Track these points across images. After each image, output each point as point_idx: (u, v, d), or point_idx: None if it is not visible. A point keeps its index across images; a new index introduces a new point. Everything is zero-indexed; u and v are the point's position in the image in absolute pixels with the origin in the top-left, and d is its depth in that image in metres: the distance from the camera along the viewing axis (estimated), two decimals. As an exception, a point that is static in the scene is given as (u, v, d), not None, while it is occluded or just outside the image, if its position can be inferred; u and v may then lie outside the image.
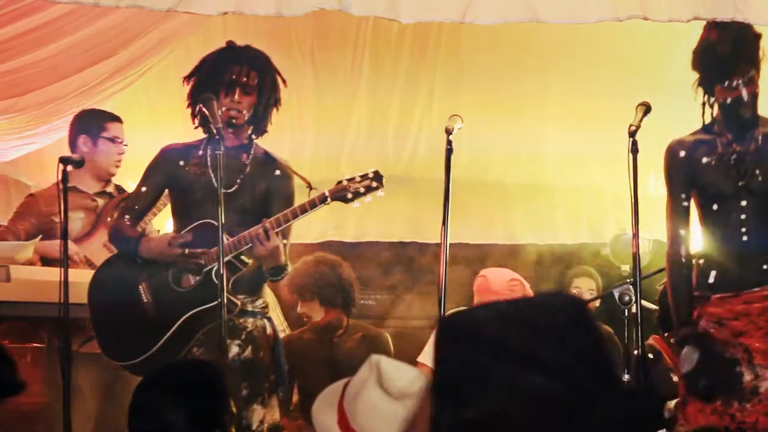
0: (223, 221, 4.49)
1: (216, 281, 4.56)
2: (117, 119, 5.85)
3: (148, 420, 3.16)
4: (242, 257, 4.73)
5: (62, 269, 4.69)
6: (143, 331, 4.83)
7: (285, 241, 4.84)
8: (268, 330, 4.94)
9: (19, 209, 5.90)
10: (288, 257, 4.87)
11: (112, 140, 5.75)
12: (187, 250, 4.78)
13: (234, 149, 4.92)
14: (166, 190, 5.08)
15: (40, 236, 5.45)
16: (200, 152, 4.96)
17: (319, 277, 6.22)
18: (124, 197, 5.82)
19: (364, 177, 4.64)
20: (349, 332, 6.41)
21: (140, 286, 4.90)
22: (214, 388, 3.25)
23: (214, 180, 4.82)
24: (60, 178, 4.94)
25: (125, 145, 5.84)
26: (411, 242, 7.89)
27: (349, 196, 4.63)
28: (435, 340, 1.77)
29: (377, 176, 4.65)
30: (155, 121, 7.84)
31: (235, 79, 4.85)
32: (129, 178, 7.58)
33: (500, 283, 5.90)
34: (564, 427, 1.66)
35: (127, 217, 5.06)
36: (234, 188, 4.87)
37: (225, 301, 4.40)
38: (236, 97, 4.84)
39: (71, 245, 5.28)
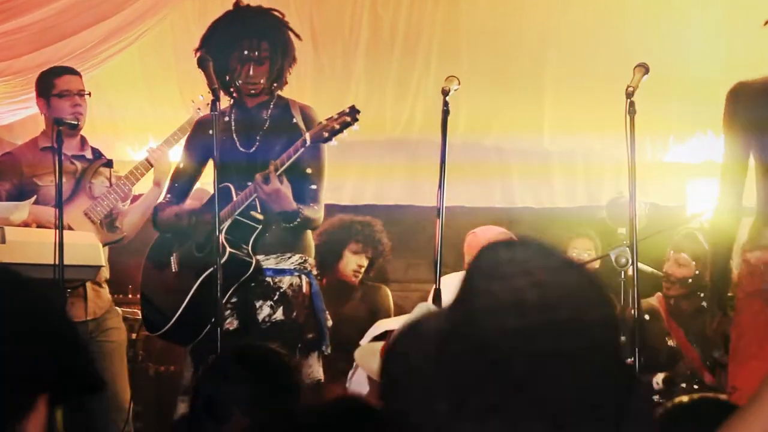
0: (219, 184, 4.52)
1: (224, 241, 4.58)
2: (68, 71, 5.70)
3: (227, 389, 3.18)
4: (252, 213, 4.72)
5: (57, 231, 4.68)
6: (171, 300, 4.88)
7: (314, 186, 4.86)
8: (305, 288, 4.90)
9: None
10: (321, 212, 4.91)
11: (60, 95, 5.61)
12: (194, 219, 4.85)
13: (254, 108, 4.97)
14: (211, 161, 4.96)
15: (35, 197, 5.42)
16: (226, 118, 4.95)
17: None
18: (102, 162, 5.76)
19: (340, 114, 4.61)
20: (352, 293, 6.43)
21: (172, 257, 4.95)
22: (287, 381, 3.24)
23: (237, 143, 4.87)
24: (54, 140, 4.92)
25: (82, 94, 5.67)
26: (408, 205, 7.89)
27: (326, 135, 4.59)
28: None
29: (353, 111, 4.60)
30: (150, 86, 7.82)
31: (247, 54, 4.84)
32: (126, 144, 7.60)
33: (490, 238, 5.87)
34: None
35: (168, 196, 5.14)
36: (254, 147, 4.89)
37: (221, 262, 4.41)
38: (251, 72, 4.86)
39: (49, 212, 5.25)
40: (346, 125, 4.58)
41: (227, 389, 3.14)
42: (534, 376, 1.51)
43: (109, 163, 5.77)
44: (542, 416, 1.52)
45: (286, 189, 4.65)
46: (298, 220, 4.73)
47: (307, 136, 4.62)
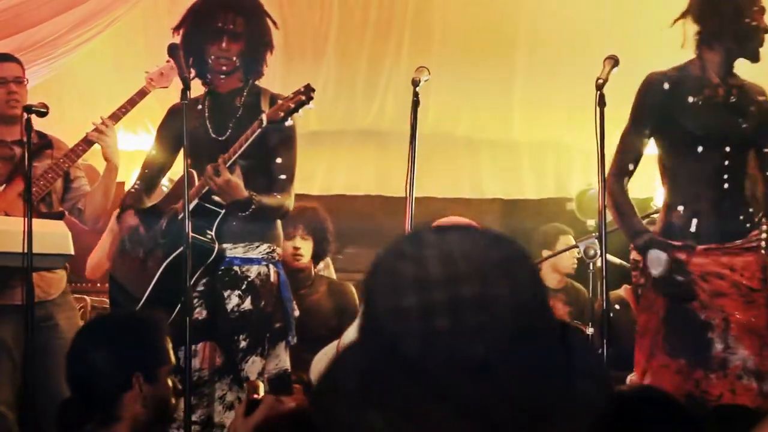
0: (188, 172, 4.51)
1: (183, 228, 4.53)
2: (2, 59, 5.63)
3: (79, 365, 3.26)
4: (216, 199, 4.68)
5: (26, 219, 4.65)
6: (137, 287, 4.84)
7: (283, 176, 4.83)
8: (272, 277, 4.86)
9: None
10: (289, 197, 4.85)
11: None
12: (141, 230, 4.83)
13: (227, 95, 4.91)
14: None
15: (4, 185, 5.38)
16: (199, 106, 4.91)
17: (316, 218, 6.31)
18: (42, 144, 5.67)
19: (296, 93, 4.59)
20: (316, 285, 6.41)
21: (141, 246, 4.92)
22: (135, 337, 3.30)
23: (210, 130, 4.83)
24: (24, 127, 4.88)
25: (19, 81, 5.57)
26: (377, 195, 7.90)
27: (282, 114, 4.56)
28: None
29: (307, 89, 4.57)
30: (120, 74, 7.79)
31: (222, 27, 4.80)
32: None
33: None
34: None
35: (138, 183, 5.05)
36: (227, 134, 4.83)
37: (189, 248, 4.38)
38: (224, 45, 4.79)
39: None
40: (301, 104, 4.56)
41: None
42: (430, 355, 1.36)
43: (49, 145, 5.65)
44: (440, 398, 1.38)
45: (237, 179, 4.60)
46: (253, 207, 4.68)
47: (264, 116, 4.59)
